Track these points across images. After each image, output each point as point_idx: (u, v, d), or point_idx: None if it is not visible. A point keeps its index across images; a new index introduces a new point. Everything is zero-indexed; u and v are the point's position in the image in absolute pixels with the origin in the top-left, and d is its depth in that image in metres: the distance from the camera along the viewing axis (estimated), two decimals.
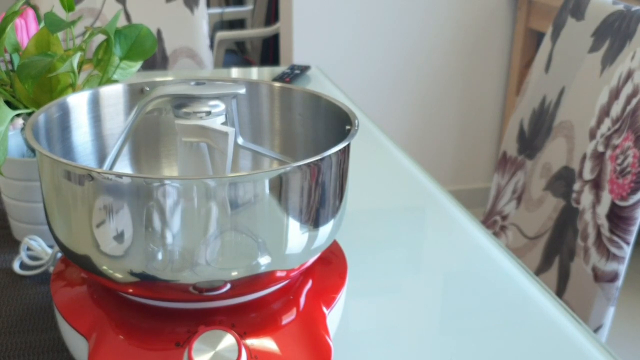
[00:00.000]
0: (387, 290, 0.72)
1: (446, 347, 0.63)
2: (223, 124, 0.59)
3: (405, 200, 0.92)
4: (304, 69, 1.45)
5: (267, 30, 2.82)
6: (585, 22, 1.17)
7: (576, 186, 1.11)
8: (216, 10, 3.08)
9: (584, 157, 1.10)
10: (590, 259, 1.04)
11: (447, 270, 0.76)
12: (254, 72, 1.54)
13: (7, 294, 0.69)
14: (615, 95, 1.06)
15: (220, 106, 0.58)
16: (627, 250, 1.00)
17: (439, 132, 2.50)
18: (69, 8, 0.76)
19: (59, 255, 0.71)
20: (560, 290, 1.10)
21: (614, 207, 1.02)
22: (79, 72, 0.73)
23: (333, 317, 0.58)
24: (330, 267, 0.62)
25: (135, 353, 0.50)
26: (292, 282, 0.58)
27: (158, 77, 1.48)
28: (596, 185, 1.06)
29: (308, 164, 0.49)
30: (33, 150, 0.80)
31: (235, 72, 1.64)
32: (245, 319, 0.53)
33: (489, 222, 1.32)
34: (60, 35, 0.73)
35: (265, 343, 0.51)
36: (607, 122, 1.06)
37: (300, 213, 0.50)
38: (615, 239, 1.01)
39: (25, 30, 0.77)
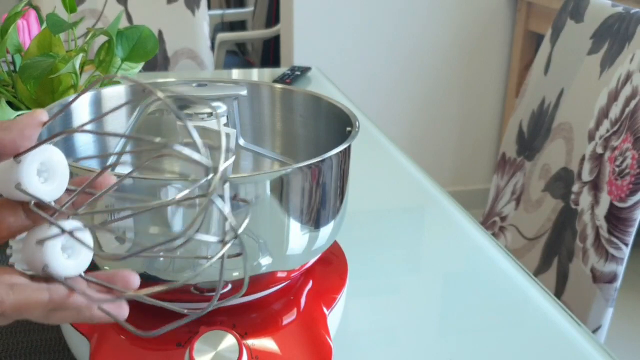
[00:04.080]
0: (387, 290, 0.72)
1: (446, 347, 0.64)
2: (224, 125, 0.59)
3: (405, 200, 0.93)
4: (305, 70, 1.45)
5: (268, 32, 2.82)
6: (585, 24, 1.18)
7: (575, 187, 1.11)
8: (217, 11, 3.09)
9: (582, 159, 1.11)
10: (589, 260, 1.05)
11: (447, 270, 0.76)
12: (255, 73, 1.54)
13: None
14: (614, 97, 1.06)
15: (222, 107, 0.58)
16: (626, 252, 1.01)
17: (438, 134, 2.50)
18: (70, 9, 0.76)
19: None
20: (559, 291, 1.11)
21: (612, 208, 1.02)
22: (80, 73, 0.74)
23: (333, 317, 0.58)
24: (330, 268, 0.62)
25: (137, 353, 0.51)
26: (292, 282, 0.58)
27: (159, 78, 1.48)
28: (595, 186, 1.07)
29: (309, 166, 0.49)
30: None
31: (236, 73, 1.64)
32: (246, 319, 0.53)
33: (488, 223, 1.33)
34: (62, 36, 0.73)
35: (266, 343, 0.52)
36: (605, 124, 1.07)
37: (301, 214, 0.50)
38: (614, 240, 1.01)
39: (27, 31, 0.77)
